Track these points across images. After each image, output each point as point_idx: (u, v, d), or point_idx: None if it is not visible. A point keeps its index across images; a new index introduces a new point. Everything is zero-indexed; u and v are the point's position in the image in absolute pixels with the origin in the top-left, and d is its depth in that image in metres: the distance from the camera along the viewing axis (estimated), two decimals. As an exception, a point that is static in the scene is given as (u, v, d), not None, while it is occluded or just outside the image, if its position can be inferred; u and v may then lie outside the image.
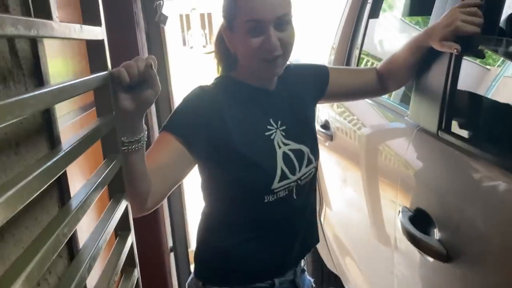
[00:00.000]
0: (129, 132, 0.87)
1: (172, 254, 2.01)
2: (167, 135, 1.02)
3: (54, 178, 0.58)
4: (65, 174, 0.75)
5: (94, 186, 0.74)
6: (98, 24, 0.84)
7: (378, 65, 1.36)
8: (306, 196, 1.18)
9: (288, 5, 1.03)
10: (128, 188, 0.91)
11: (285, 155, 1.10)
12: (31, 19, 0.55)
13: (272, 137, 1.10)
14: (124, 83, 0.80)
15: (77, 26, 0.70)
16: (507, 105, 1.12)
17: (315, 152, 1.18)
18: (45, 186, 0.55)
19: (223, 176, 1.10)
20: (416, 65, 1.26)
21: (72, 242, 0.73)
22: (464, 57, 1.17)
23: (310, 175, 1.16)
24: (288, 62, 1.13)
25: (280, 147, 1.10)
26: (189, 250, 2.21)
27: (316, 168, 1.19)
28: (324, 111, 2.13)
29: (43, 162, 0.56)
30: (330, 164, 2.09)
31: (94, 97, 0.90)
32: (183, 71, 8.09)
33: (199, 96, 1.08)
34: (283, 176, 1.09)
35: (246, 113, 1.10)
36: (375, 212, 1.54)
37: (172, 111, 1.09)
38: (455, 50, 1.09)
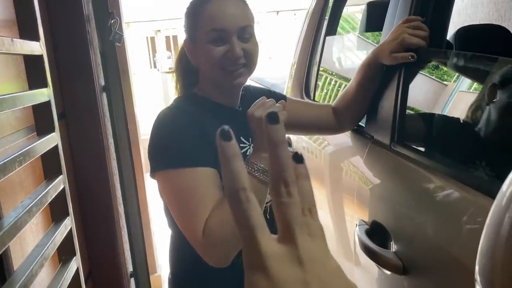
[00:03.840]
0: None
1: (132, 280, 1.93)
2: (192, 171, 0.94)
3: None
4: (-4, 195, 0.71)
5: (27, 208, 0.70)
6: (36, 38, 0.81)
7: (334, 102, 1.36)
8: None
9: (250, 19, 1.03)
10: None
11: None
12: None
13: (247, 154, 1.07)
14: None
15: (7, 39, 0.67)
16: (455, 117, 1.15)
17: None
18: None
19: None
20: (368, 90, 1.26)
21: (3, 265, 0.68)
22: (415, 71, 1.19)
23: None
24: (249, 85, 1.12)
25: None
26: (151, 276, 2.14)
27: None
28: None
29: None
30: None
31: (34, 115, 0.86)
32: (150, 93, 8.02)
33: (179, 116, 1.02)
34: None
35: None
36: (338, 228, 1.53)
37: (163, 144, 1.00)
38: (410, 58, 1.10)
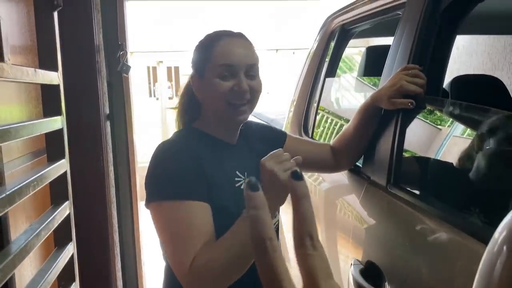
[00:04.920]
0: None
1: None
2: (187, 204, 0.97)
3: (-9, 221, 0.56)
4: (6, 218, 0.72)
5: (36, 232, 0.72)
6: (55, 69, 0.85)
7: (332, 141, 1.41)
8: None
9: (256, 58, 1.09)
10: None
11: None
12: (-20, 59, 0.55)
13: (242, 187, 1.09)
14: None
15: (31, 69, 0.71)
16: (450, 162, 1.19)
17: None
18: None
19: None
20: (366, 132, 1.31)
21: (7, 290, 0.69)
22: (412, 116, 1.24)
23: (275, 228, 1.16)
24: (251, 121, 1.16)
25: None
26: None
27: (278, 223, 1.19)
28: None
29: (-20, 204, 0.54)
30: (289, 218, 2.10)
31: (46, 142, 0.89)
32: (148, 120, 8.08)
33: (178, 150, 1.05)
34: None
35: (217, 163, 1.09)
36: (332, 266, 1.54)
37: (160, 175, 1.02)
38: (410, 104, 1.15)
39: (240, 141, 1.18)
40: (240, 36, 1.09)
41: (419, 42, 1.23)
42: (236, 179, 1.10)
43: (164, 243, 1.00)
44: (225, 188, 1.06)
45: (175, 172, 1.00)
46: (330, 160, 1.36)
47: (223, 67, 1.04)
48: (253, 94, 1.07)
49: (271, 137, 1.29)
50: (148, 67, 9.55)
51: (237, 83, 1.03)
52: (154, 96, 11.16)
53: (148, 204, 1.01)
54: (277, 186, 0.90)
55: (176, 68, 8.95)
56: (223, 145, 1.13)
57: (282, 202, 0.96)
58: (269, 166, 0.94)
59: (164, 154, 1.03)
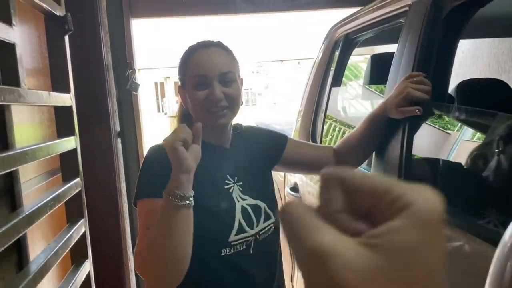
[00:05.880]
0: (186, 188, 0.93)
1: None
2: (153, 201, 1.01)
3: (11, 242, 0.58)
4: (25, 238, 0.74)
5: (54, 251, 0.73)
6: (67, 91, 0.87)
7: (336, 144, 1.41)
8: (266, 255, 1.18)
9: (232, 65, 1.13)
10: (172, 255, 0.93)
11: (243, 209, 1.13)
12: (-2, 86, 0.58)
13: (230, 191, 1.14)
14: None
15: (45, 93, 0.73)
16: (461, 166, 1.19)
17: (272, 208, 1.20)
18: (2, 249, 0.55)
19: None
20: (371, 141, 1.31)
21: (28, 309, 0.71)
22: (419, 122, 1.25)
23: (269, 231, 1.17)
24: (255, 125, 1.18)
25: (238, 201, 1.13)
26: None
27: (276, 226, 1.20)
28: (294, 174, 2.17)
29: (1, 225, 0.56)
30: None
31: (60, 162, 0.91)
32: (156, 135, 8.14)
33: (158, 153, 1.08)
34: (240, 229, 1.10)
35: (205, 168, 1.09)
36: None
37: (142, 176, 1.09)
38: (417, 111, 1.16)
39: (235, 145, 1.21)
40: (216, 45, 1.14)
41: (423, 48, 1.24)
42: (226, 181, 1.14)
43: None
44: (209, 189, 1.10)
45: (149, 172, 1.08)
46: (331, 164, 1.35)
47: (197, 78, 1.10)
48: (230, 100, 1.11)
49: (271, 140, 1.30)
50: (156, 83, 9.65)
51: (210, 91, 1.08)
52: (163, 111, 11.24)
53: (134, 203, 1.08)
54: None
55: (183, 83, 9.03)
56: (214, 149, 1.17)
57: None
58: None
59: (146, 157, 1.11)
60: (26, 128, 1.22)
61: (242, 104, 1.18)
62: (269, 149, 1.28)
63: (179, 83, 1.18)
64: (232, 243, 1.09)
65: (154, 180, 1.05)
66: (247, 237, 1.12)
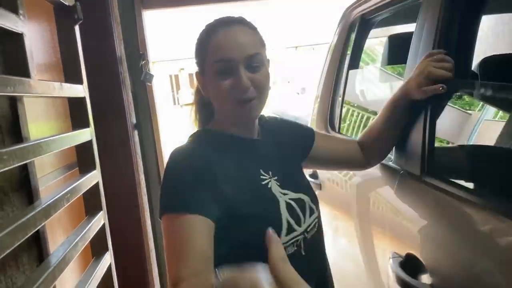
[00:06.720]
0: None
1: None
2: (184, 217, 0.87)
3: (29, 235, 0.57)
4: (44, 232, 0.74)
5: (74, 244, 0.73)
6: (79, 82, 0.86)
7: (358, 137, 1.33)
8: (316, 254, 1.07)
9: (260, 45, 0.99)
10: None
11: (288, 204, 1.00)
12: (7, 76, 0.56)
13: (269, 186, 1.00)
14: None
15: (57, 84, 0.72)
16: (486, 146, 1.14)
17: (315, 201, 1.10)
18: (19, 242, 0.54)
19: (225, 243, 0.92)
20: (397, 126, 1.25)
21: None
22: (442, 102, 1.20)
23: (315, 227, 1.06)
24: (276, 116, 1.10)
25: (280, 197, 1.00)
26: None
27: (319, 219, 1.09)
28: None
29: (18, 218, 0.55)
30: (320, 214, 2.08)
31: (76, 154, 0.90)
32: (173, 128, 8.18)
33: (188, 159, 0.96)
34: (290, 228, 0.97)
35: (236, 166, 1.00)
36: (368, 261, 1.52)
37: (168, 186, 0.94)
38: (441, 89, 1.10)
39: (263, 135, 1.10)
40: (239, 22, 0.99)
41: (443, 25, 1.19)
42: (261, 177, 1.01)
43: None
44: (246, 191, 0.97)
45: (177, 184, 0.92)
46: (360, 158, 1.29)
47: (220, 64, 0.94)
48: (258, 88, 0.96)
49: (299, 134, 1.21)
50: (170, 76, 9.67)
51: (236, 79, 0.94)
52: (178, 103, 11.29)
53: (159, 215, 0.94)
54: None
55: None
56: (243, 142, 1.05)
57: None
58: None
59: (171, 165, 0.95)
60: (42, 123, 1.22)
61: (270, 89, 1.02)
62: (296, 143, 1.18)
63: (197, 69, 1.03)
64: (283, 246, 0.92)
65: (186, 191, 0.90)
66: (297, 236, 0.99)
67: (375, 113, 2.04)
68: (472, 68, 1.40)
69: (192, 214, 0.87)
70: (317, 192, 1.96)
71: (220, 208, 0.91)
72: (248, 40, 0.95)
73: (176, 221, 0.87)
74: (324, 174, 2.01)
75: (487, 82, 1.15)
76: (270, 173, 1.03)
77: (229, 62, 0.93)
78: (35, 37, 0.90)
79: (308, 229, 1.03)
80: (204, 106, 1.09)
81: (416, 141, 1.20)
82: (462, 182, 1.09)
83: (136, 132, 1.76)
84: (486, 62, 1.45)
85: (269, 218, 0.96)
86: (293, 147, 1.17)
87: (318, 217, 1.09)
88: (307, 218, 1.03)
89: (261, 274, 0.45)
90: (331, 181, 1.95)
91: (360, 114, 2.31)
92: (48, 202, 0.65)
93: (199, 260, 0.83)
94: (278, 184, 1.02)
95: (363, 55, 2.11)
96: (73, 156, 1.19)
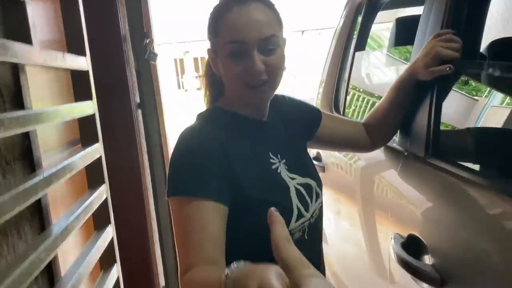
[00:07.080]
0: None
1: (164, 294, 1.95)
2: (197, 202, 0.85)
3: (31, 201, 0.57)
4: (47, 204, 0.74)
5: (76, 215, 0.73)
6: (83, 53, 0.85)
7: (364, 118, 1.32)
8: (317, 237, 1.07)
9: (276, 25, 0.94)
10: None
11: (297, 190, 0.99)
12: (8, 40, 0.55)
13: (278, 171, 0.99)
14: None
15: (59, 53, 0.71)
16: (490, 128, 1.13)
17: (320, 185, 1.09)
18: (21, 209, 0.54)
19: (236, 228, 0.90)
20: (402, 108, 1.23)
21: (52, 270, 0.70)
22: (449, 83, 1.19)
23: (319, 212, 1.06)
24: (284, 94, 1.09)
25: (289, 182, 0.99)
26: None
27: (322, 203, 1.09)
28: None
29: (20, 183, 0.55)
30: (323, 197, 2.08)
31: (79, 128, 0.90)
32: (177, 112, 8.19)
33: (200, 140, 0.94)
34: (299, 215, 0.96)
35: (247, 147, 0.98)
36: (370, 243, 1.52)
37: (180, 166, 0.92)
38: (448, 69, 1.08)
39: (272, 116, 1.07)
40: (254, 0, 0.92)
41: (452, 5, 1.17)
42: (270, 160, 0.99)
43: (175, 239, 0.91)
44: (257, 174, 0.95)
45: (190, 166, 0.90)
46: (365, 139, 1.28)
47: (232, 45, 0.90)
48: (271, 72, 0.93)
49: (307, 114, 1.20)
50: (175, 59, 9.63)
51: (249, 63, 0.90)
52: (183, 87, 11.27)
53: (167, 197, 0.92)
54: None
55: (203, 59, 9.03)
56: (252, 123, 1.03)
57: None
58: None
59: (182, 145, 0.94)
60: (45, 97, 1.21)
61: (285, 69, 0.98)
62: (303, 122, 1.17)
63: (209, 45, 0.98)
64: (291, 232, 0.94)
65: (198, 175, 0.88)
66: (304, 222, 0.98)
67: (380, 98, 2.03)
68: (481, 51, 1.38)
69: (206, 199, 0.85)
70: (320, 175, 1.96)
71: (232, 192, 0.89)
72: (264, 20, 0.91)
73: (189, 205, 0.85)
74: (328, 157, 2.00)
75: (495, 62, 1.14)
76: (279, 156, 1.02)
77: (243, 45, 0.90)
78: (38, 5, 0.89)
79: (313, 214, 1.02)
80: (214, 83, 1.06)
81: (421, 122, 1.19)
82: (466, 164, 1.08)
83: (139, 112, 1.76)
84: (495, 44, 1.43)
85: (281, 204, 0.94)
86: (299, 127, 1.16)
87: (322, 202, 1.09)
88: (313, 203, 1.02)
89: (272, 274, 0.44)
90: (334, 165, 1.94)
91: (366, 99, 2.30)
92: (51, 172, 0.65)
93: (212, 248, 0.82)
94: (286, 167, 1.01)
95: (369, 41, 2.09)
96: (76, 133, 1.19)
